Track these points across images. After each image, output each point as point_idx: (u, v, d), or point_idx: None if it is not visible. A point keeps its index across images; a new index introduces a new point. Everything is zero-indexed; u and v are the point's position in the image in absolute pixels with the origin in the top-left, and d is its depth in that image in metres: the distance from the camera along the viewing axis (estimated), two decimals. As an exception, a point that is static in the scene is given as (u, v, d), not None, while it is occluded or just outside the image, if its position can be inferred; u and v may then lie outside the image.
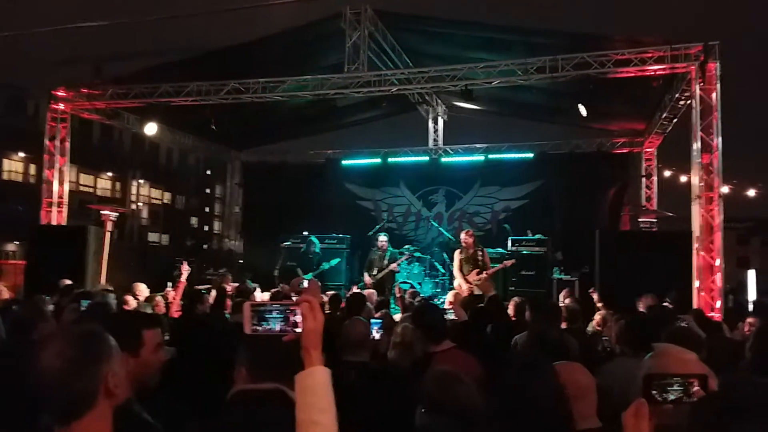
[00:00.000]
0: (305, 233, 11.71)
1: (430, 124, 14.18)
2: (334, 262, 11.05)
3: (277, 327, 1.50)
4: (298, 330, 1.48)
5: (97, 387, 1.47)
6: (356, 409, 2.59)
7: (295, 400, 1.44)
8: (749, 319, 4.95)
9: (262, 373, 1.85)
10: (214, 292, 7.22)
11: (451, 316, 4.62)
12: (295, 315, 1.49)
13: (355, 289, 8.29)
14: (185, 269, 6.94)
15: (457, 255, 8.86)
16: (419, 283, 11.15)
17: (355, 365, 3.08)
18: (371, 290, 8.14)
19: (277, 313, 1.50)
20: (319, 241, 12.31)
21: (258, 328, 1.50)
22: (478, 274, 8.53)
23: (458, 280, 8.72)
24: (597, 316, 5.74)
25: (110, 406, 1.50)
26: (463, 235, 8.90)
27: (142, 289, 7.60)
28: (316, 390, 1.43)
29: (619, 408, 1.43)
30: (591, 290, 7.65)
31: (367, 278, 10.14)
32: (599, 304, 6.80)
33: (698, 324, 4.29)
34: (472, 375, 2.66)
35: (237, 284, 9.97)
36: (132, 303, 6.69)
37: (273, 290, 8.19)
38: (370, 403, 2.82)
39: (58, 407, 1.45)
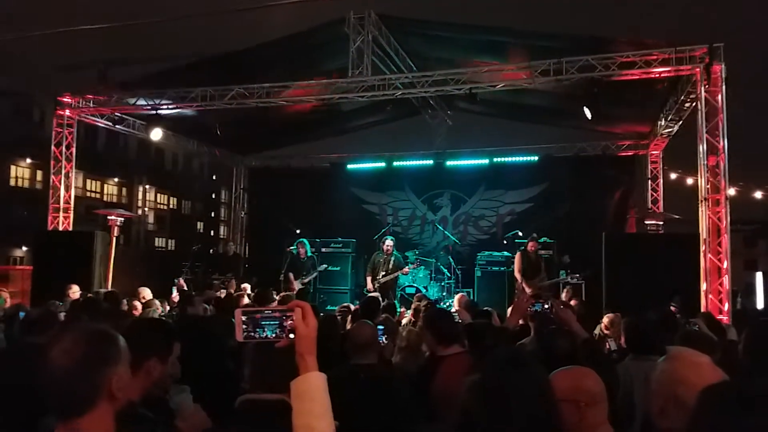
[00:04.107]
0: (298, 231, 11.56)
1: (435, 128, 14.16)
2: (321, 267, 10.86)
3: (271, 333, 1.48)
4: (293, 336, 1.46)
5: (100, 388, 1.48)
6: (364, 411, 2.58)
7: (292, 406, 1.43)
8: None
9: (266, 382, 1.84)
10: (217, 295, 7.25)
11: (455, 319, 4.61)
12: (288, 321, 1.47)
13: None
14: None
15: (519, 258, 9.67)
16: (425, 287, 11.13)
17: (363, 367, 3.08)
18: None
19: (271, 320, 1.48)
20: (325, 245, 12.28)
21: (251, 334, 1.48)
22: (541, 281, 9.45)
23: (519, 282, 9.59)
24: (605, 319, 5.72)
25: (112, 408, 1.51)
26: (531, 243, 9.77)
27: (147, 294, 7.64)
28: (312, 395, 1.42)
29: (623, 410, 1.41)
30: None
31: (369, 284, 10.11)
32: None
33: (708, 327, 4.26)
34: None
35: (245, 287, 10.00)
36: (139, 308, 6.73)
37: (281, 294, 8.17)
38: (379, 405, 2.82)
39: (59, 403, 1.47)
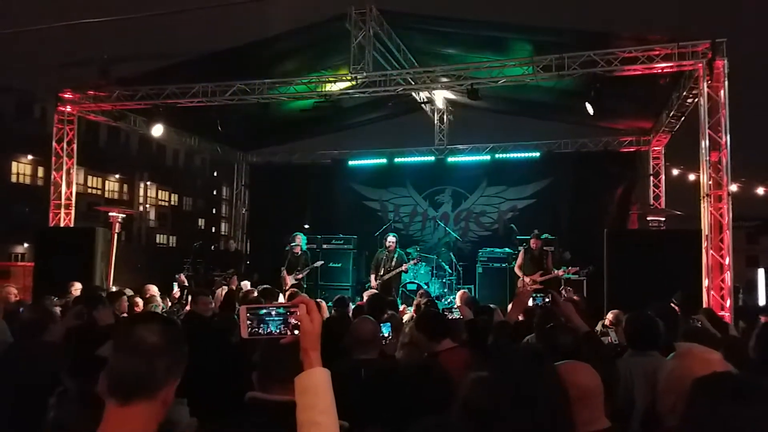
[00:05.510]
0: (307, 226, 11.47)
1: (436, 124, 14.15)
2: (318, 263, 10.83)
3: (276, 330, 1.47)
4: (297, 332, 1.46)
5: (168, 381, 1.43)
6: (366, 406, 2.58)
7: (296, 401, 1.42)
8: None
9: (274, 382, 1.83)
10: (219, 292, 7.25)
11: (456, 315, 4.60)
12: (293, 317, 1.47)
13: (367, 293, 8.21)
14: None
15: (521, 255, 9.91)
16: (426, 284, 11.13)
17: (365, 363, 3.08)
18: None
19: (276, 316, 1.48)
20: (326, 241, 12.27)
21: (256, 331, 1.47)
22: (542, 275, 9.52)
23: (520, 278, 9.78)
24: (609, 315, 5.71)
25: (163, 407, 1.44)
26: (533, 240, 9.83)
27: (153, 291, 7.65)
28: (316, 391, 1.42)
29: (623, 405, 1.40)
30: None
31: (373, 281, 10.11)
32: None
33: (710, 324, 4.26)
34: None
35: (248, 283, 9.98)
36: (140, 304, 6.74)
37: (289, 292, 8.13)
38: (380, 400, 2.82)
39: (131, 380, 1.39)
